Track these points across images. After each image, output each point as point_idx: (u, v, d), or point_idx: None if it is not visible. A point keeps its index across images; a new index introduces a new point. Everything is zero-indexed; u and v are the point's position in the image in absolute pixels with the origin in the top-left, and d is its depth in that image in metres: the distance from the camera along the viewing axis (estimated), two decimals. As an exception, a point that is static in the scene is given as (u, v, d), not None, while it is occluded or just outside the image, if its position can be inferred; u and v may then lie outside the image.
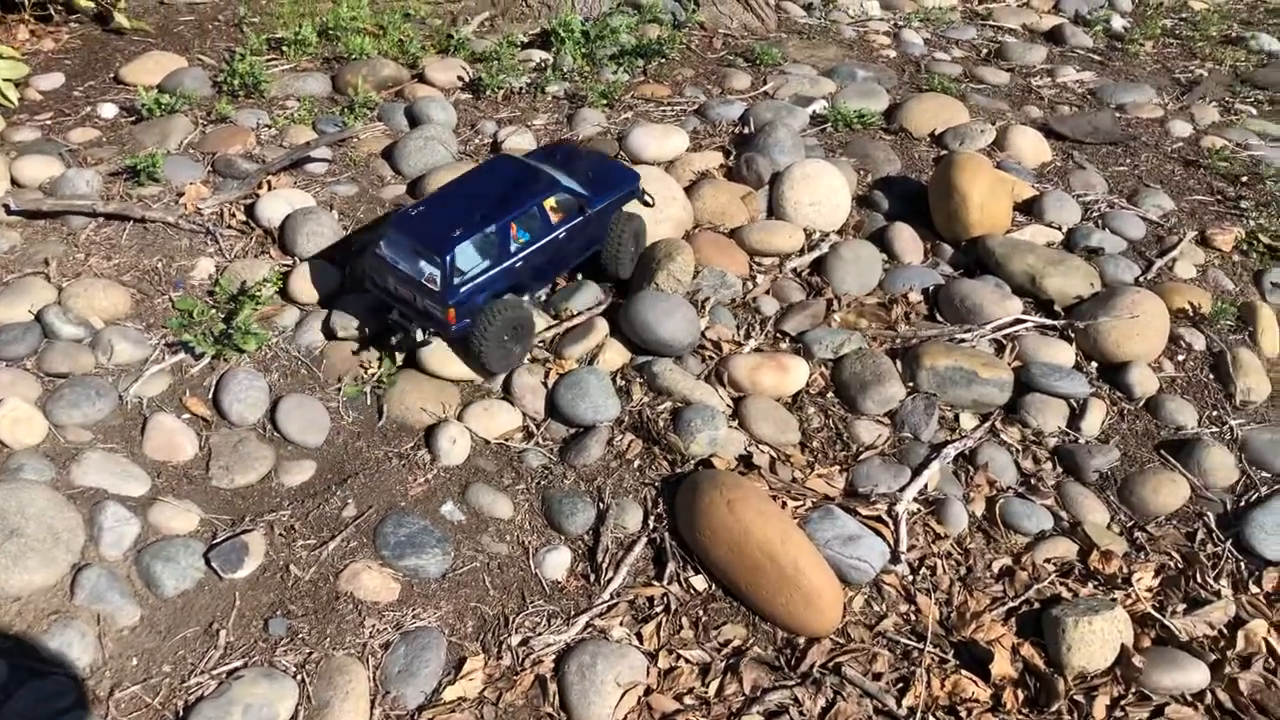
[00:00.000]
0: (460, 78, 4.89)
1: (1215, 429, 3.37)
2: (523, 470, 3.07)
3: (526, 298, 3.35)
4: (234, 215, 3.86)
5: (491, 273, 3.14)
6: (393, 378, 3.25)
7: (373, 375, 3.28)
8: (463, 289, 3.06)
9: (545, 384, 3.27)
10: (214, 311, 3.43)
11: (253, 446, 3.06)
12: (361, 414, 3.22)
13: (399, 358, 3.32)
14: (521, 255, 3.22)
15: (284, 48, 5.04)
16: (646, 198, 3.67)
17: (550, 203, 3.29)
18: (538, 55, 5.19)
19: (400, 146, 4.21)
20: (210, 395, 3.19)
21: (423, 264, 3.05)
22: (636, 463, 3.09)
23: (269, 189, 3.96)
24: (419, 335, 3.18)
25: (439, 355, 3.25)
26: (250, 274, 3.57)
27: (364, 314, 3.40)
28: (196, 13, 5.47)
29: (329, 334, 3.39)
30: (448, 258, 2.99)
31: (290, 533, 2.83)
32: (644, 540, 2.89)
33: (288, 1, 5.58)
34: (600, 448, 3.10)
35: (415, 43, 5.10)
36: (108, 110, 4.45)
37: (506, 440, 3.15)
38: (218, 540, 2.77)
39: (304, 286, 3.51)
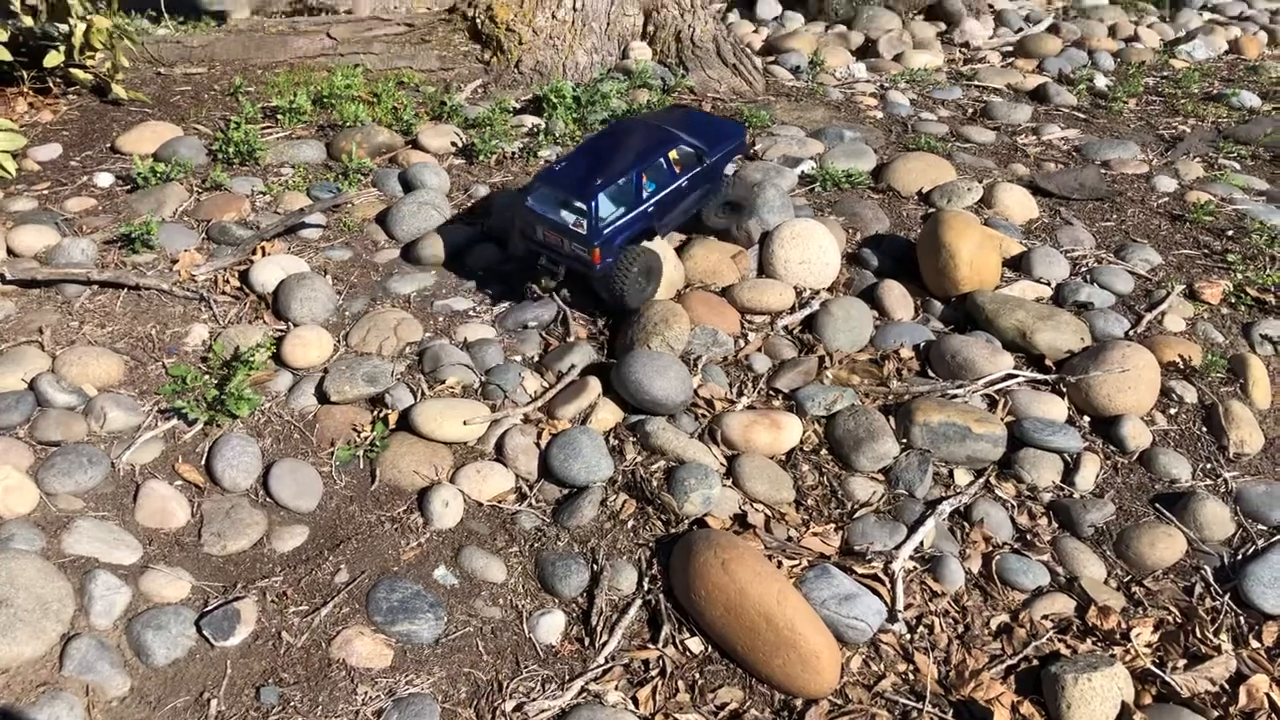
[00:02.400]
0: (453, 143, 4.95)
1: (1209, 482, 3.37)
2: (516, 532, 3.06)
3: (657, 239, 3.88)
4: (228, 281, 3.88)
5: (628, 217, 3.60)
6: (385, 441, 3.25)
7: (365, 439, 3.28)
8: (605, 230, 3.51)
9: (538, 444, 3.27)
10: (207, 377, 3.44)
11: (245, 512, 3.05)
12: (354, 478, 3.21)
13: (392, 420, 3.32)
14: (651, 201, 3.69)
15: (279, 116, 5.11)
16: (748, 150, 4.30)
17: (673, 155, 3.78)
18: (530, 120, 5.26)
19: (394, 211, 4.25)
20: (203, 461, 3.19)
21: (568, 212, 3.55)
22: (630, 523, 3.08)
23: (263, 255, 3.99)
24: (560, 276, 3.68)
25: (431, 416, 3.25)
26: (244, 340, 3.58)
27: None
28: (193, 83, 5.55)
29: (322, 398, 3.40)
30: (592, 204, 3.46)
31: (282, 599, 2.81)
32: (639, 602, 2.87)
33: (283, 71, 5.67)
34: (593, 508, 3.09)
35: (409, 110, 5.17)
36: (104, 179, 4.49)
37: (499, 502, 3.14)
38: (209, 608, 2.75)
39: (298, 351, 3.52)
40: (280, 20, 6.64)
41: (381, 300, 3.87)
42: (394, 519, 3.08)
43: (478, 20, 5.88)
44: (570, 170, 3.62)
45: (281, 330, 3.66)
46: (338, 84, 5.26)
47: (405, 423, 3.29)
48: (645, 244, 3.71)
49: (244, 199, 4.36)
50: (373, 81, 5.48)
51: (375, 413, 3.37)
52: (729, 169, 4.15)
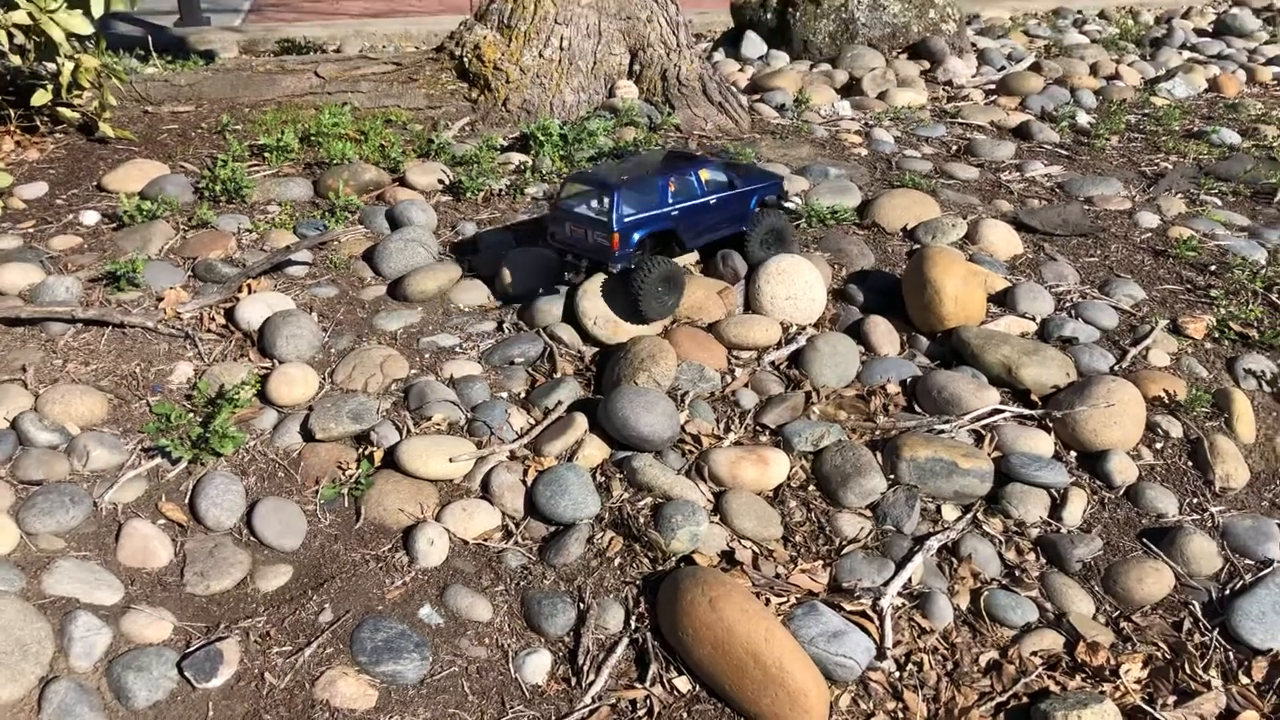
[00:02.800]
0: (440, 181, 4.97)
1: (1196, 516, 3.37)
2: (502, 571, 3.03)
3: (680, 258, 4.04)
4: (213, 319, 3.87)
5: (649, 214, 3.73)
6: (370, 479, 3.23)
7: (351, 476, 3.27)
8: (625, 219, 3.64)
9: (524, 482, 3.26)
10: (191, 415, 3.42)
11: (229, 551, 3.02)
12: (339, 516, 3.19)
13: (377, 458, 3.30)
14: (675, 207, 3.82)
15: (266, 154, 5.12)
16: (788, 203, 4.40)
17: (704, 174, 3.95)
18: (517, 158, 5.28)
19: (381, 248, 4.26)
20: (186, 500, 3.16)
21: (593, 202, 3.74)
22: (617, 561, 3.06)
23: (249, 292, 3.98)
24: (583, 272, 3.84)
25: (417, 454, 3.23)
26: (229, 377, 3.57)
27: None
28: (180, 121, 5.56)
29: (307, 435, 3.38)
30: (615, 193, 3.62)
31: (265, 639, 2.78)
32: (626, 641, 2.85)
33: (271, 110, 5.69)
34: (580, 546, 3.07)
35: (396, 147, 5.18)
36: (89, 217, 4.49)
37: (485, 540, 3.12)
38: (191, 649, 2.72)
39: (283, 389, 3.51)
40: (268, 59, 6.68)
41: (367, 337, 3.86)
42: (379, 558, 3.05)
43: (465, 59, 5.92)
44: (600, 170, 3.96)
45: (267, 368, 3.65)
46: (325, 122, 5.28)
47: (391, 460, 3.27)
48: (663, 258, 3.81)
49: (230, 236, 4.36)
50: (360, 120, 5.51)
51: (360, 450, 3.36)
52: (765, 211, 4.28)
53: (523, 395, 3.65)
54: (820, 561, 3.14)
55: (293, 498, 3.22)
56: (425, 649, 2.78)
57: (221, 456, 3.29)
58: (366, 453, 3.33)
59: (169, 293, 3.95)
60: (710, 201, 3.96)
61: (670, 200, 3.80)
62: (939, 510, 3.35)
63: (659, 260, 3.74)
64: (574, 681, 2.75)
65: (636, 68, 6.18)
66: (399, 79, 5.98)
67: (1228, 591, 3.11)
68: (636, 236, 3.69)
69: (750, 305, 4.09)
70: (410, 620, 2.87)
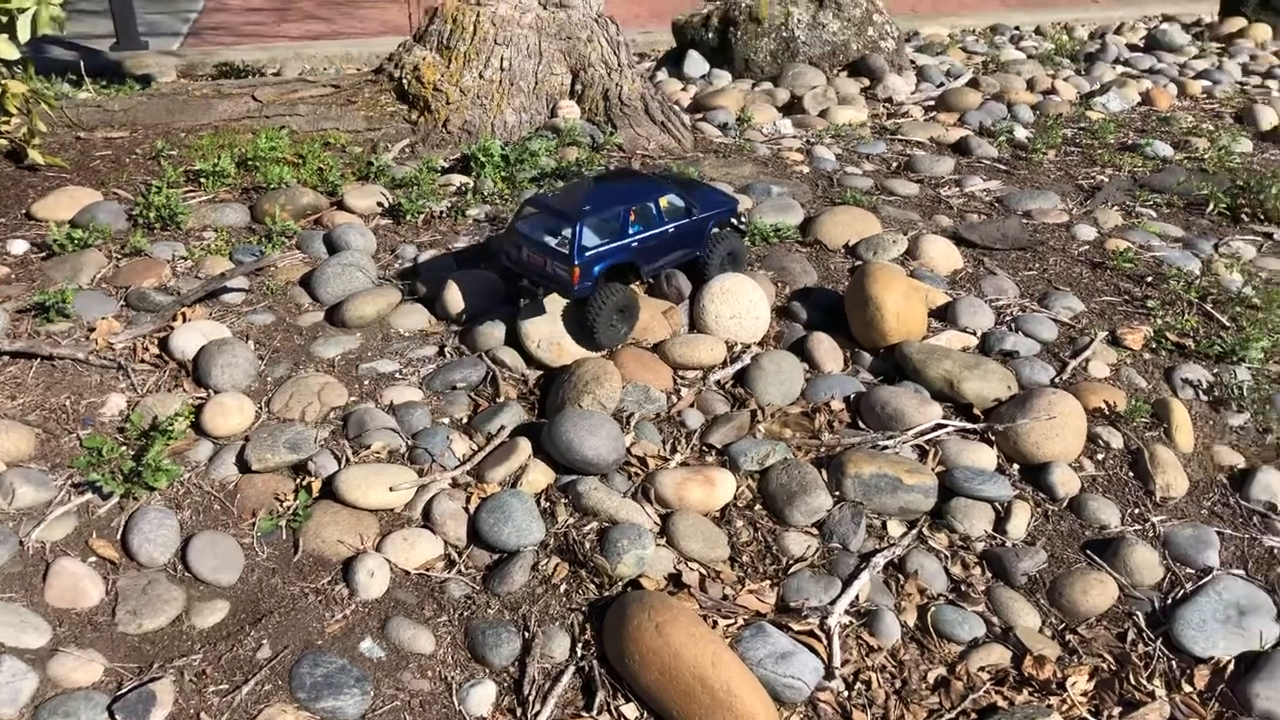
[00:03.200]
0: (380, 203, 4.91)
1: (1138, 526, 3.40)
2: (444, 601, 2.98)
3: (635, 284, 4.02)
4: (147, 349, 3.78)
5: (609, 247, 3.69)
6: (308, 510, 3.16)
7: (288, 508, 3.20)
8: (586, 254, 3.60)
9: (467, 509, 3.20)
10: (124, 449, 3.33)
11: (162, 588, 2.94)
12: (277, 549, 3.11)
13: (315, 488, 3.24)
14: (635, 238, 3.78)
15: (202, 179, 5.03)
16: (742, 224, 4.37)
17: (663, 203, 3.91)
18: (458, 179, 5.24)
19: (318, 273, 4.19)
20: (118, 536, 3.08)
21: (554, 235, 3.69)
22: (563, 587, 3.02)
23: (183, 321, 3.90)
24: (540, 298, 3.81)
25: (356, 483, 3.17)
26: (162, 408, 3.48)
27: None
28: (113, 147, 5.46)
29: (243, 467, 3.31)
30: (578, 225, 3.57)
31: (201, 678, 2.70)
32: (572, 669, 2.81)
33: (207, 134, 5.60)
34: (524, 574, 3.03)
35: (335, 171, 5.12)
36: (18, 247, 4.38)
37: (427, 570, 3.07)
38: (123, 691, 2.63)
39: (218, 419, 3.43)
40: (205, 83, 6.59)
41: (305, 365, 3.79)
42: (318, 590, 2.99)
43: (404, 81, 5.87)
44: (562, 198, 3.86)
45: (202, 398, 3.57)
46: (262, 146, 5.20)
47: (329, 490, 3.21)
48: (618, 284, 3.78)
49: (165, 264, 4.28)
50: (298, 143, 5.43)
51: (298, 481, 3.29)
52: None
53: (465, 421, 3.60)
54: (768, 581, 3.12)
55: (229, 531, 3.14)
56: (366, 684, 2.72)
57: (155, 490, 3.20)
58: (304, 483, 3.26)
59: (100, 323, 3.86)
60: (669, 230, 3.94)
61: (631, 231, 3.77)
62: (885, 526, 3.35)
63: (615, 289, 3.72)
64: (519, 712, 2.70)
65: (578, 87, 6.17)
66: (338, 101, 5.91)
67: (1170, 601, 3.13)
68: (597, 269, 3.66)
69: (695, 325, 4.08)
70: (351, 654, 2.81)
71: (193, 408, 3.51)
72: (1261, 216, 5.49)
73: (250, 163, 5.16)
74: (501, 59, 5.87)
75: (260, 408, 3.56)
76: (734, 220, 4.29)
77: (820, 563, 3.20)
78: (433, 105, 5.80)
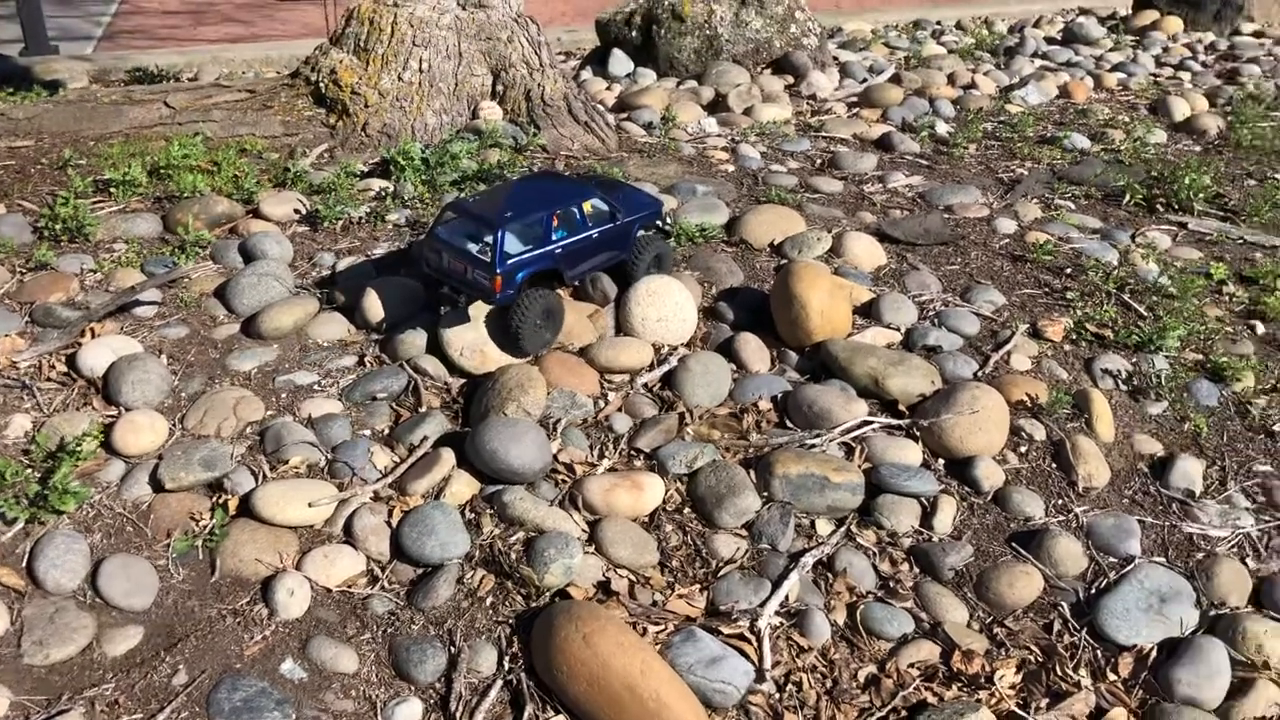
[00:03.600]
0: (297, 210, 4.80)
1: (1062, 517, 3.43)
2: (367, 618, 2.91)
3: (560, 288, 3.98)
4: (53, 367, 3.65)
5: (533, 253, 3.64)
6: (225, 529, 3.07)
7: (204, 527, 3.10)
8: (509, 261, 3.54)
9: (389, 523, 3.14)
10: (29, 471, 3.20)
11: (71, 616, 2.83)
12: (193, 570, 3.02)
13: (232, 506, 3.15)
14: (559, 244, 3.73)
15: (112, 189, 4.88)
16: (667, 225, 4.37)
17: (587, 207, 3.85)
18: (377, 184, 5.15)
19: (233, 284, 4.08)
20: (24, 563, 2.96)
21: (475, 240, 3.64)
22: (489, 600, 2.97)
23: (92, 337, 3.78)
24: (461, 305, 3.71)
25: (274, 500, 3.09)
26: (70, 428, 3.36)
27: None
28: (18, 156, 5.27)
29: (157, 486, 3.20)
30: (500, 232, 3.50)
31: (114, 708, 2.61)
32: (500, 683, 2.76)
33: (117, 142, 5.44)
34: (449, 587, 2.97)
35: (251, 178, 4.99)
36: (-85, 263, 4.21)
37: (349, 587, 3.00)
38: (30, 725, 2.54)
39: (130, 437, 3.32)
40: (115, 89, 6.41)
41: (220, 379, 3.69)
42: (236, 612, 2.90)
43: (321, 84, 5.76)
44: (482, 202, 3.75)
45: (112, 416, 3.46)
46: (175, 154, 5.06)
47: (246, 508, 3.12)
48: (543, 289, 3.73)
49: (72, 278, 4.13)
50: (213, 150, 5.30)
51: (214, 499, 3.19)
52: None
53: (386, 432, 3.53)
54: (697, 585, 3.10)
55: (142, 553, 3.04)
56: (287, 706, 2.65)
57: (63, 514, 3.09)
58: (220, 501, 3.17)
59: (3, 340, 3.72)
60: (594, 235, 3.89)
61: (555, 237, 3.72)
62: (813, 525, 3.35)
63: (538, 294, 3.67)
64: (446, 729, 2.65)
65: (500, 88, 6.10)
66: (253, 106, 5.78)
67: (1094, 591, 3.17)
68: (520, 277, 3.61)
69: (621, 328, 4.04)
70: (271, 677, 2.73)
71: (102, 427, 3.39)
72: (1176, 207, 5.61)
73: (162, 171, 5.01)
74: (420, 60, 5.78)
75: (174, 425, 3.45)
76: (659, 222, 4.26)
77: (750, 564, 3.19)
78: (351, 109, 5.70)
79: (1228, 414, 3.93)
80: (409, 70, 5.76)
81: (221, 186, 4.94)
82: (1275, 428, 3.86)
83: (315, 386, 3.69)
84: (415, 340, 3.81)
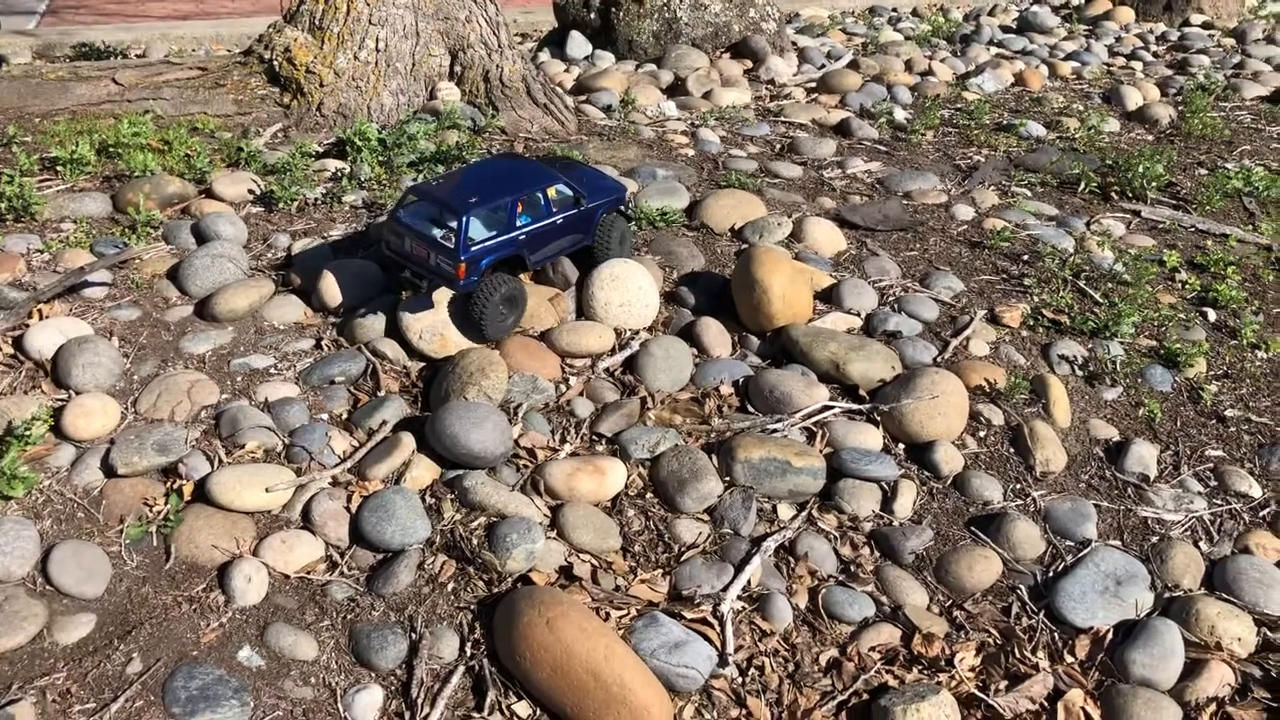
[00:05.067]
0: (251, 191, 4.72)
1: (1020, 501, 3.47)
2: (327, 604, 2.87)
3: (523, 274, 3.94)
4: (0, 349, 3.56)
5: (497, 240, 3.61)
6: (180, 514, 3.02)
7: (159, 513, 3.04)
8: (473, 248, 3.51)
9: (348, 509, 3.10)
10: (-25, 457, 3.12)
11: (20, 604, 2.76)
12: (147, 556, 2.96)
13: (187, 491, 3.09)
14: (523, 230, 3.70)
15: (59, 167, 4.77)
16: (629, 210, 4.32)
17: (551, 192, 3.81)
18: (333, 164, 5.07)
19: (186, 265, 4.00)
20: (-29, 550, 2.88)
21: (438, 225, 3.60)
22: (450, 586, 2.94)
23: (40, 318, 3.69)
24: (424, 290, 3.67)
25: (230, 485, 3.04)
26: (18, 412, 3.28)
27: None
28: (-40, 134, 5.13)
29: (109, 471, 3.13)
30: (464, 218, 3.46)
31: (66, 698, 2.55)
32: (461, 669, 2.73)
33: (64, 120, 5.31)
34: (410, 573, 2.94)
35: (203, 157, 4.89)
36: None
37: (308, 573, 2.95)
38: (-22, 716, 2.47)
39: (80, 422, 3.25)
40: (61, 65, 6.24)
41: (174, 362, 3.62)
42: (192, 599, 2.85)
43: (275, 63, 5.66)
44: (446, 187, 3.69)
45: (62, 400, 3.38)
46: (124, 132, 4.95)
47: (202, 493, 3.07)
48: (506, 274, 3.69)
49: (19, 258, 4.03)
50: (164, 128, 5.19)
51: (169, 484, 3.13)
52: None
53: (344, 416, 3.48)
54: (660, 570, 3.09)
55: (94, 540, 2.97)
56: (245, 694, 2.61)
57: (11, 500, 3.01)
58: (175, 486, 3.11)
59: (-53, 322, 3.62)
60: (558, 221, 3.86)
61: (518, 224, 3.68)
62: (775, 510, 3.35)
63: (501, 279, 3.64)
64: (408, 716, 2.62)
65: (457, 69, 6.03)
66: (205, 84, 5.67)
67: (1051, 574, 3.21)
68: (484, 263, 3.58)
69: (583, 312, 4.02)
70: (228, 664, 2.68)
71: (52, 410, 3.31)
72: (1130, 195, 5.68)
73: (112, 149, 4.91)
74: (377, 40, 5.70)
75: (126, 408, 3.38)
76: (621, 208, 4.23)
77: (712, 549, 3.19)
78: (306, 88, 5.60)
79: (1181, 399, 3.99)
80: (365, 49, 5.68)
81: (173, 166, 4.84)
82: (1227, 413, 3.93)
83: (271, 370, 3.63)
84: (374, 323, 3.76)
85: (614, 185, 4.21)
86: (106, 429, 3.29)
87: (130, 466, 3.12)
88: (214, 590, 2.88)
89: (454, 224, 3.51)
